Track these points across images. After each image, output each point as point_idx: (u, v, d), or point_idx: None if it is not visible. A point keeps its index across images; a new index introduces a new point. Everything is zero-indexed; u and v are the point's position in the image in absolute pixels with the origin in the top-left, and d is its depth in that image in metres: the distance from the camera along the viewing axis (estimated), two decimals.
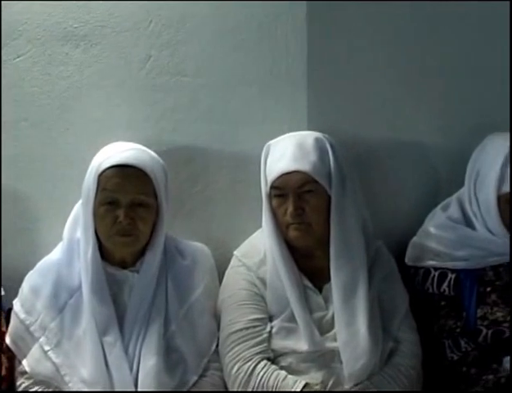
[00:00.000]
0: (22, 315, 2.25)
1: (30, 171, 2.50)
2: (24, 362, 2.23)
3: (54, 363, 2.20)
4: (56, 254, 2.33)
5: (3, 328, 2.29)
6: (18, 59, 2.47)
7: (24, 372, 2.23)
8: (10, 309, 2.33)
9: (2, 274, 2.38)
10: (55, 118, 2.49)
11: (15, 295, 2.32)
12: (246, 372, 2.20)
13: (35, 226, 2.52)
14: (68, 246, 2.31)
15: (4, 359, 2.24)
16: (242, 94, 2.53)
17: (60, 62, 2.47)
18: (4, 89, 2.46)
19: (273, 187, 2.27)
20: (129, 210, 2.19)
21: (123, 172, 2.20)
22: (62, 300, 2.25)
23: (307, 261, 2.32)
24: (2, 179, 2.47)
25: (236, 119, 2.53)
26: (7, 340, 2.26)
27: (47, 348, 2.21)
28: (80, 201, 2.29)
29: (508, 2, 2.58)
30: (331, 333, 2.25)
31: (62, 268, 2.29)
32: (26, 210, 2.52)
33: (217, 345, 2.29)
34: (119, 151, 2.23)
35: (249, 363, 2.20)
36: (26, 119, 2.49)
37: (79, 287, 2.25)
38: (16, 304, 2.28)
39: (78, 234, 2.29)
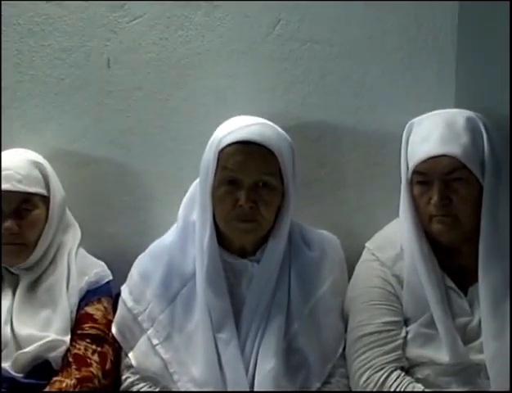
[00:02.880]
0: (130, 303, 2.08)
1: (143, 145, 2.35)
2: (131, 355, 2.06)
3: (162, 359, 2.02)
4: (169, 237, 2.14)
5: (110, 317, 2.12)
6: (134, 22, 2.29)
7: (131, 366, 2.05)
8: (118, 295, 2.15)
9: (110, 256, 2.25)
10: (172, 87, 2.32)
11: (124, 279, 2.15)
12: (377, 382, 1.96)
13: (146, 205, 2.37)
14: (182, 228, 2.11)
15: (110, 351, 2.07)
16: (381, 65, 2.31)
17: (180, 26, 2.29)
18: (118, 55, 2.31)
19: (416, 172, 2.01)
20: (252, 193, 1.97)
21: (247, 149, 1.97)
22: (174, 290, 2.06)
23: (451, 259, 2.05)
24: (113, 153, 2.33)
25: (373, 93, 2.31)
26: (113, 329, 2.10)
27: (155, 342, 2.03)
28: (197, 180, 2.09)
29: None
30: (476, 343, 1.99)
31: (175, 253, 2.09)
32: (137, 187, 2.36)
33: (344, 349, 2.07)
34: (242, 126, 2.00)
35: (381, 373, 1.97)
36: (140, 88, 2.32)
37: (193, 276, 2.06)
38: (124, 291, 2.11)
39: (194, 216, 2.09)
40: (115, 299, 2.17)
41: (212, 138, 2.03)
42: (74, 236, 2.21)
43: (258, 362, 1.97)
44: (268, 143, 1.97)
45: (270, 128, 2.02)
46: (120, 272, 2.19)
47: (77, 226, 2.24)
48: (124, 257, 2.21)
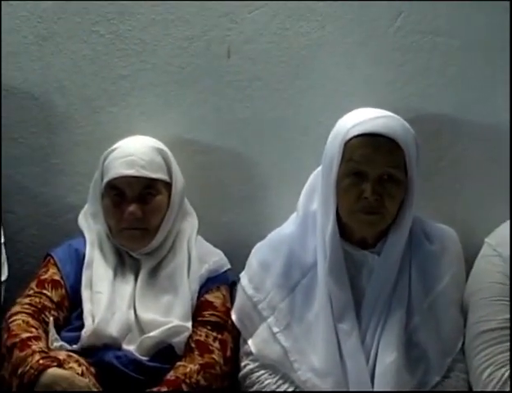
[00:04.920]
0: (250, 291, 2.09)
1: (261, 135, 2.35)
2: (250, 342, 2.07)
3: (283, 347, 2.02)
4: (288, 226, 2.14)
5: (228, 304, 2.14)
6: (256, 12, 2.29)
7: (250, 353, 2.06)
8: (233, 283, 2.17)
9: (224, 245, 2.25)
10: (291, 78, 2.31)
11: (238, 267, 2.17)
12: (500, 379, 1.94)
13: (263, 194, 2.37)
14: (303, 218, 2.10)
15: (229, 339, 2.09)
16: (502, 59, 2.25)
17: (301, 16, 2.28)
18: (238, 44, 2.31)
19: None
20: (377, 185, 1.96)
21: (374, 141, 1.95)
22: (294, 279, 2.06)
23: None
24: (231, 142, 2.34)
25: (494, 87, 2.27)
26: (233, 316, 2.11)
27: (275, 329, 2.04)
28: (316, 170, 2.10)
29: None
30: None
31: (295, 242, 2.09)
32: (254, 177, 2.37)
33: (463, 344, 2.04)
34: (369, 118, 1.98)
35: (504, 370, 1.94)
36: (260, 78, 2.32)
37: (313, 266, 2.06)
38: (243, 279, 2.12)
39: (314, 206, 2.09)
40: (230, 287, 2.18)
41: (336, 130, 2.02)
42: (192, 223, 2.22)
43: (379, 354, 1.96)
44: (395, 136, 1.96)
45: (396, 120, 2.00)
46: (235, 260, 2.20)
47: (194, 214, 2.25)
48: (239, 246, 2.23)
